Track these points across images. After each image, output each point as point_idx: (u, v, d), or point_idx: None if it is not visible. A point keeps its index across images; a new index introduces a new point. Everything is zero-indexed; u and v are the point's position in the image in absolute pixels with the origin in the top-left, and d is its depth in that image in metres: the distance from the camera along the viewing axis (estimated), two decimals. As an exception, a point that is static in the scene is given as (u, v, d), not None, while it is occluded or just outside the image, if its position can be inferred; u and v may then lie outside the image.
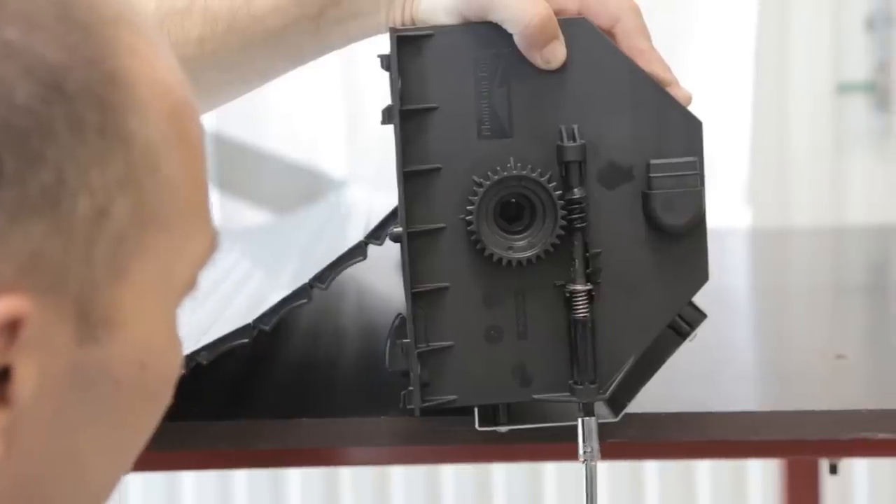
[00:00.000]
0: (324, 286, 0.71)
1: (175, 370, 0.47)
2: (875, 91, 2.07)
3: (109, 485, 0.47)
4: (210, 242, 0.46)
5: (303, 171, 1.97)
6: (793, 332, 1.07)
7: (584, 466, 0.69)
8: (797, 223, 2.03)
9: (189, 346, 0.72)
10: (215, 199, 1.96)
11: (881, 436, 0.74)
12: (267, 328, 0.72)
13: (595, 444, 0.68)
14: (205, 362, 0.72)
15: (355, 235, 0.74)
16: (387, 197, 0.76)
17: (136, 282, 0.43)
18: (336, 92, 1.98)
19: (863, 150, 2.08)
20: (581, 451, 0.69)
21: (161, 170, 0.43)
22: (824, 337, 1.04)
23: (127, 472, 0.48)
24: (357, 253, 0.71)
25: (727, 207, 1.85)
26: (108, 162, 0.41)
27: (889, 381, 0.92)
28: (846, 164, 2.07)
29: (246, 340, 0.72)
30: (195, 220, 0.45)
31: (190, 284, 0.46)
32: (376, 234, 0.70)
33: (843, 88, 2.08)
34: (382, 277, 1.22)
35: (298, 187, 1.91)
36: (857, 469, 2.01)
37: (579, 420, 0.69)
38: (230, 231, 1.80)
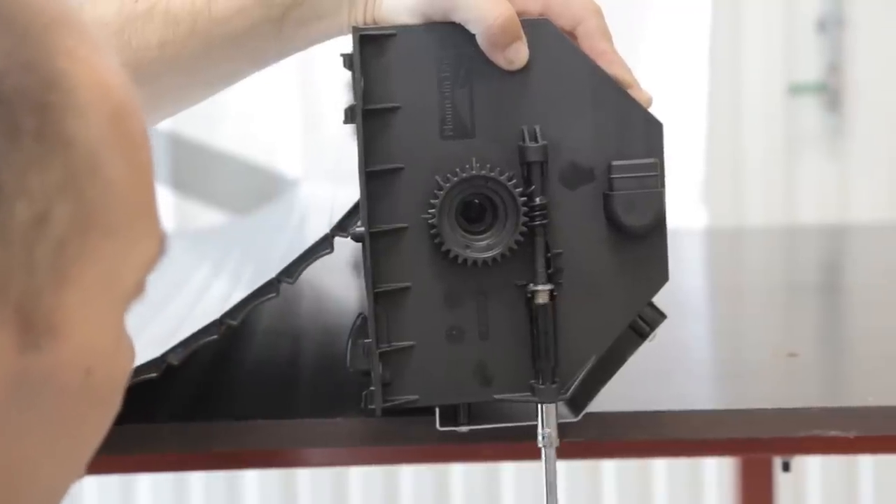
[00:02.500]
0: (291, 280, 0.71)
1: (124, 375, 0.46)
2: (826, 92, 2.10)
3: (58, 492, 0.46)
4: (158, 246, 0.46)
5: (259, 172, 1.96)
6: (746, 331, 1.08)
7: (542, 451, 0.69)
8: (751, 223, 2.05)
9: (158, 350, 0.72)
10: (171, 199, 1.95)
11: (832, 433, 0.75)
12: (235, 323, 0.71)
13: (553, 428, 0.69)
14: (176, 363, 0.71)
15: (318, 230, 0.73)
16: (348, 191, 0.75)
17: (80, 287, 0.42)
18: (293, 92, 1.98)
19: (815, 150, 2.10)
20: (539, 437, 0.69)
21: (102, 173, 0.42)
22: (777, 335, 1.05)
23: (78, 479, 0.47)
24: (324, 246, 0.71)
25: (682, 207, 1.87)
26: (46, 166, 0.41)
27: (840, 378, 0.93)
28: (798, 164, 2.10)
29: (214, 337, 0.71)
30: (141, 223, 0.45)
31: (138, 288, 0.45)
32: (343, 227, 0.70)
33: (795, 89, 2.10)
34: (336, 277, 1.22)
35: (255, 188, 1.90)
36: (810, 466, 2.04)
37: (538, 406, 0.69)
38: (188, 233, 1.79)
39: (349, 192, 0.72)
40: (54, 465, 0.45)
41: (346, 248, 1.34)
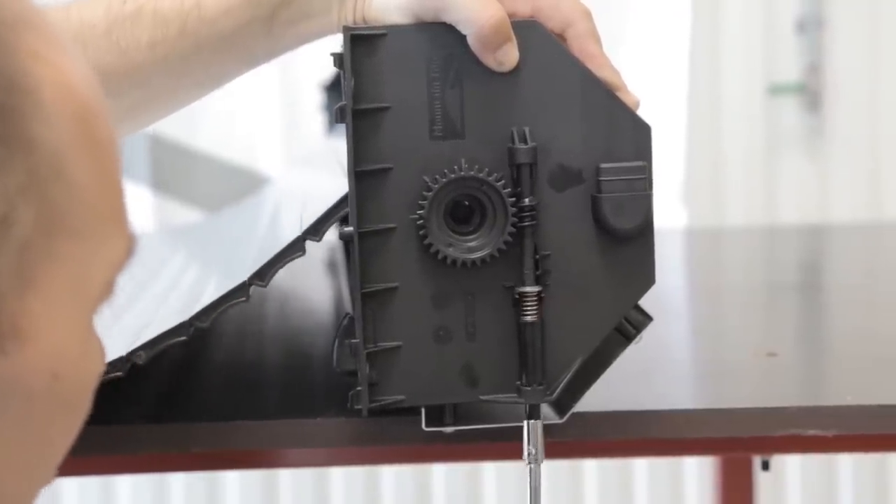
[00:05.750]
0: (263, 283, 0.71)
1: (92, 378, 0.45)
2: (805, 92, 2.11)
3: (25, 499, 0.45)
4: (126, 247, 0.45)
5: (239, 172, 1.96)
6: (726, 331, 1.09)
7: (527, 469, 0.70)
8: (731, 223, 2.06)
9: (124, 348, 0.71)
10: (151, 199, 1.94)
11: (811, 432, 0.75)
12: (205, 325, 0.71)
13: (540, 446, 0.69)
14: (141, 362, 0.71)
15: (290, 228, 0.73)
16: (323, 186, 0.75)
17: (46, 290, 0.42)
18: (273, 92, 1.98)
19: (794, 150, 2.11)
20: (525, 454, 0.69)
21: (67, 175, 0.42)
22: (757, 335, 1.06)
23: (47, 485, 0.46)
24: (296, 248, 0.70)
25: (663, 208, 1.88)
26: (7, 169, 0.40)
27: (819, 378, 0.94)
28: (778, 164, 2.11)
29: (183, 338, 0.71)
30: (108, 225, 0.44)
31: (106, 291, 0.45)
32: (315, 230, 0.70)
33: (775, 90, 2.11)
34: (310, 276, 1.22)
35: (234, 188, 1.90)
36: (790, 465, 2.05)
37: (525, 423, 0.69)
38: (161, 229, 1.79)
39: (324, 189, 0.72)
40: (20, 473, 0.44)
41: (320, 247, 1.34)
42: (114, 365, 0.70)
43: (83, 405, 0.45)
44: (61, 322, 0.43)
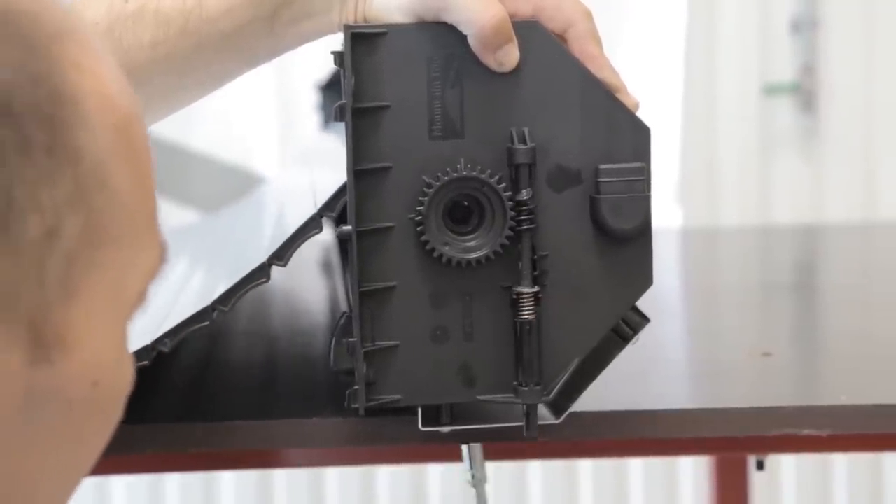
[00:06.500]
0: (282, 263, 0.70)
1: (127, 385, 0.46)
2: (800, 92, 2.11)
3: (59, 503, 0.46)
4: (160, 255, 0.46)
5: (235, 172, 1.96)
6: (721, 331, 1.09)
7: (474, 491, 0.70)
8: (726, 223, 2.07)
9: (143, 342, 0.71)
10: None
11: (806, 432, 0.76)
12: (226, 309, 0.71)
13: (482, 469, 0.68)
14: (167, 349, 0.71)
15: (299, 217, 0.73)
16: (324, 180, 0.75)
17: (88, 300, 0.42)
18: (269, 92, 1.97)
19: (789, 150, 2.12)
20: (470, 476, 0.69)
21: (110, 185, 0.42)
22: (752, 335, 1.06)
23: (76, 490, 0.47)
24: (312, 226, 0.70)
25: (658, 207, 1.88)
26: (57, 181, 0.40)
27: (814, 377, 0.94)
28: (773, 164, 2.11)
29: (206, 323, 0.71)
30: (145, 232, 0.45)
31: (140, 298, 0.45)
32: (329, 208, 0.68)
33: (770, 90, 2.11)
34: (305, 276, 1.22)
35: (231, 188, 1.90)
36: (784, 465, 2.05)
37: (463, 447, 0.69)
38: (165, 230, 1.78)
39: (331, 181, 0.72)
40: (55, 478, 0.45)
41: (313, 247, 1.34)
42: (139, 354, 0.70)
43: (117, 411, 0.46)
44: (101, 331, 0.43)
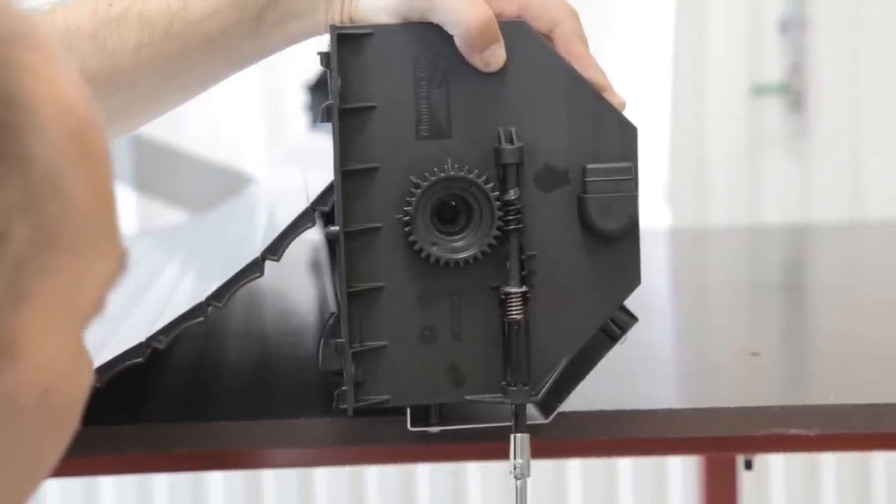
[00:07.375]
0: (276, 257, 0.70)
1: (83, 393, 0.45)
2: (789, 93, 2.11)
3: None
4: (118, 263, 0.45)
5: (223, 172, 1.95)
6: (709, 331, 1.09)
7: (515, 483, 0.70)
8: (714, 223, 2.07)
9: (139, 338, 0.71)
10: (134, 200, 1.94)
11: (793, 431, 0.76)
12: (221, 305, 0.71)
13: (526, 458, 0.69)
14: (162, 346, 0.71)
15: (291, 215, 0.73)
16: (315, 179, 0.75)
17: (39, 306, 0.41)
18: (256, 92, 1.97)
19: (778, 150, 2.12)
20: (512, 466, 0.69)
21: (63, 192, 0.42)
22: (740, 335, 1.06)
23: (33, 496, 0.46)
24: (304, 221, 0.70)
25: (646, 207, 1.88)
26: (6, 186, 0.40)
27: (802, 377, 0.94)
28: (762, 164, 2.12)
29: (201, 319, 0.71)
30: (102, 239, 0.44)
31: (97, 306, 0.44)
32: (321, 202, 0.69)
33: (758, 90, 2.12)
34: (294, 276, 1.22)
35: (219, 188, 1.90)
36: (773, 464, 2.05)
37: (511, 437, 0.69)
38: (146, 231, 1.78)
39: (321, 179, 0.72)
40: (8, 485, 0.44)
41: (303, 247, 1.34)
42: (134, 351, 0.70)
43: (73, 419, 0.45)
44: (54, 337, 0.42)
